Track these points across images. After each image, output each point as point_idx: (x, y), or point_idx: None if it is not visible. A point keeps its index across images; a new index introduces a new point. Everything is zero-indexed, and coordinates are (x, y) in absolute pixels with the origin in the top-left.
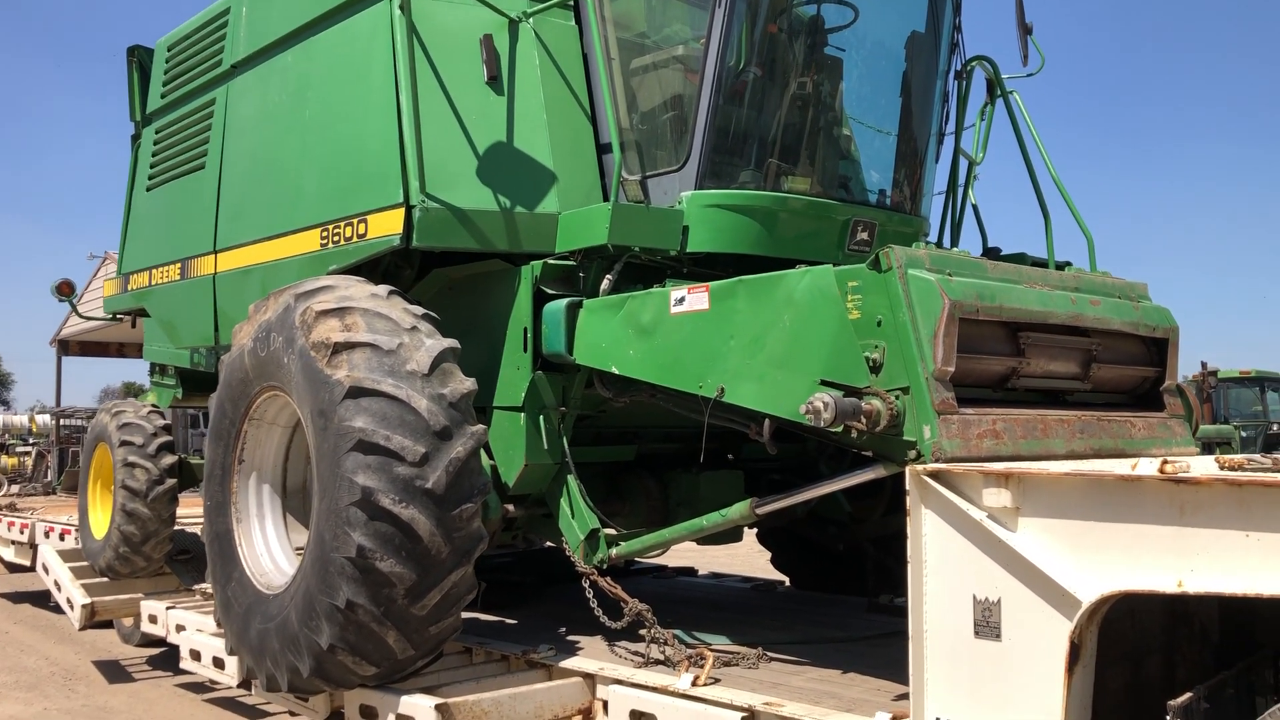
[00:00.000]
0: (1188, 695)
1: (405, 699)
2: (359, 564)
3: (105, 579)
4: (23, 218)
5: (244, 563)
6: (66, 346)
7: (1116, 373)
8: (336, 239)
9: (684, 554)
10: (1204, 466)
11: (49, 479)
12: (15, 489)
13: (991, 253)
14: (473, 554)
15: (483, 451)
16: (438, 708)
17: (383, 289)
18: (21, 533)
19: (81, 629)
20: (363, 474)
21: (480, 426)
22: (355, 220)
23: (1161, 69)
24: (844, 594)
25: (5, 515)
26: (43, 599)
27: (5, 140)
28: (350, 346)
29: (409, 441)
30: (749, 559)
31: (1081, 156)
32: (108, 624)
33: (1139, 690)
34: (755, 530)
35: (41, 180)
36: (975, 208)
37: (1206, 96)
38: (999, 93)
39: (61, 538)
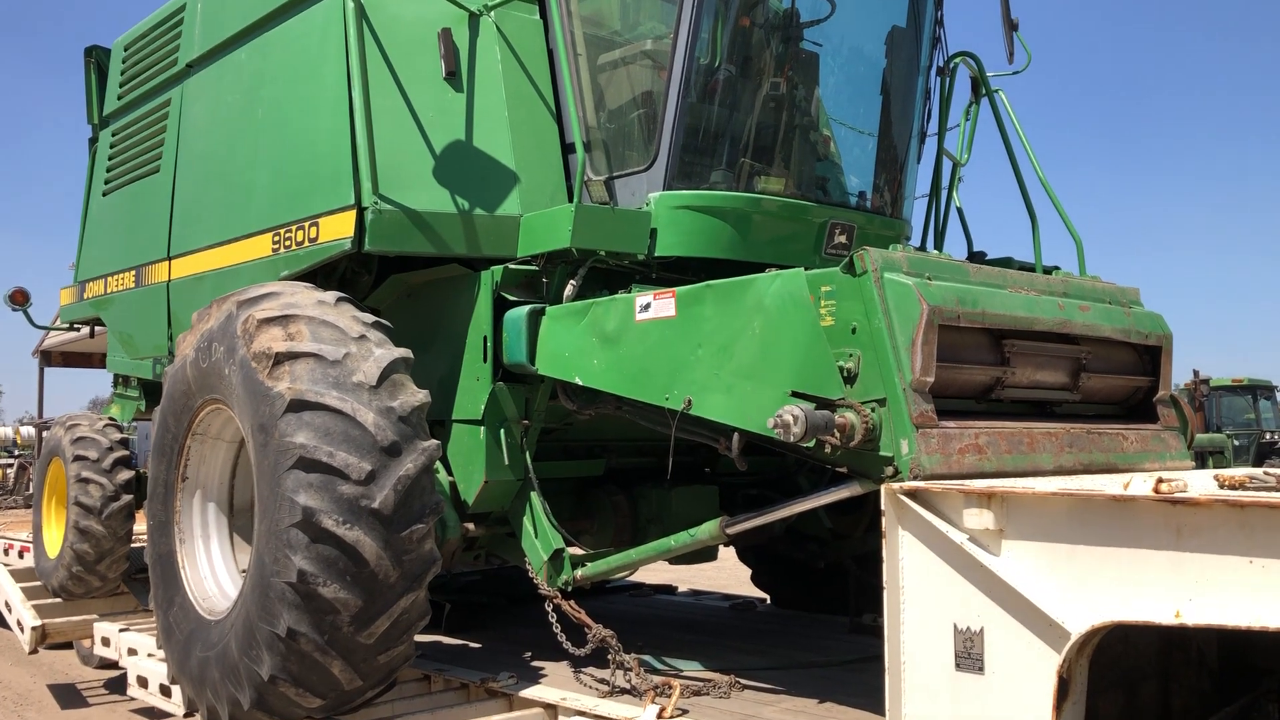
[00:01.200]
0: None
1: None
2: (300, 590)
3: (59, 599)
4: (10, 230)
5: (187, 586)
6: (49, 358)
7: (1107, 382)
8: (288, 244)
9: (666, 571)
10: (1202, 485)
11: (29, 491)
12: None
13: (977, 257)
14: (424, 578)
15: (441, 467)
16: None
17: (330, 295)
18: None
19: (31, 652)
20: (304, 493)
21: (433, 442)
22: (307, 224)
23: (1153, 66)
24: (826, 613)
25: None
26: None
27: None
28: (293, 357)
29: (354, 458)
30: (735, 573)
31: (1069, 158)
32: (66, 645)
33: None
34: (734, 547)
35: (30, 192)
36: (960, 210)
37: (1202, 96)
38: (984, 91)
39: (21, 555)
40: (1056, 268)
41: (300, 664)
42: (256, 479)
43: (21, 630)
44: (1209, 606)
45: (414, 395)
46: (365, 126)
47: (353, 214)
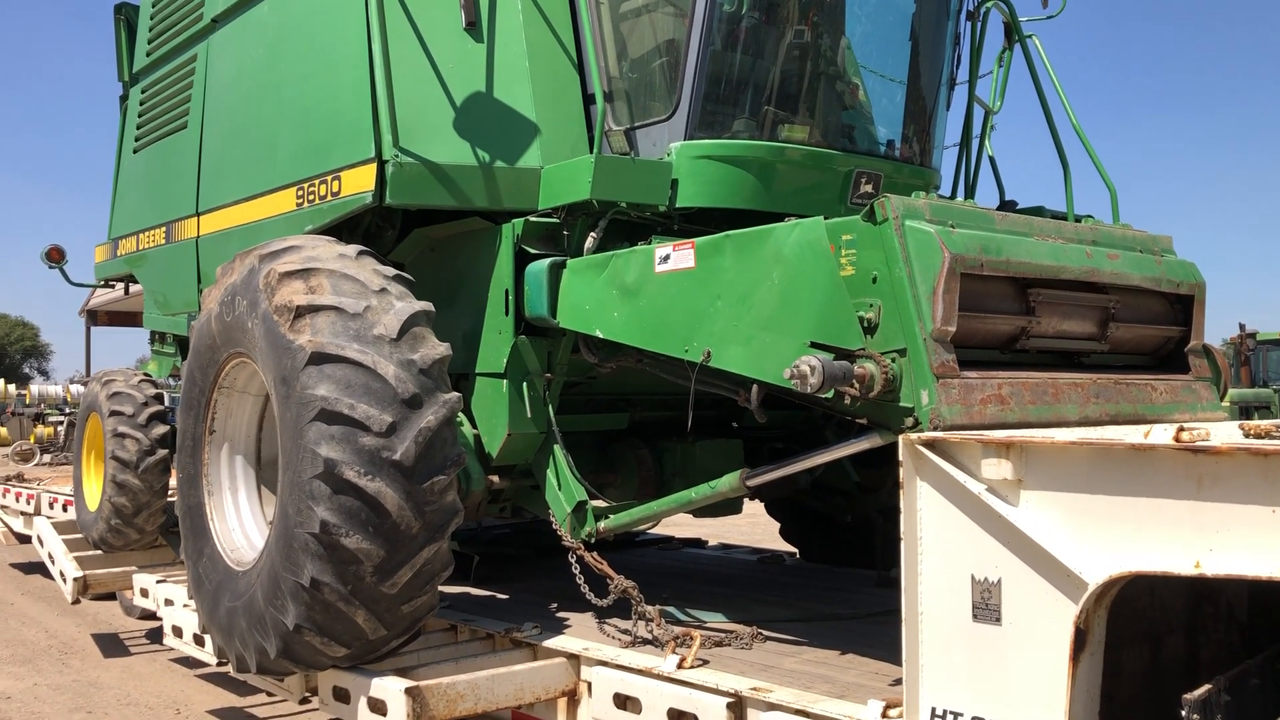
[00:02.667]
0: (1206, 688)
1: (376, 681)
2: (323, 540)
3: (100, 552)
4: (61, 187)
5: (215, 538)
6: (95, 317)
7: (1136, 332)
8: (311, 198)
9: (697, 525)
10: (1225, 433)
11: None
12: (48, 458)
13: (1008, 206)
14: (446, 529)
15: (465, 420)
16: (408, 691)
17: (352, 249)
18: (28, 503)
19: (74, 602)
20: (326, 445)
21: (454, 395)
22: (329, 178)
23: (1190, 7)
24: (853, 567)
25: (12, 486)
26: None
27: (44, 110)
28: (314, 310)
29: (375, 410)
30: (767, 527)
31: (1105, 105)
32: (110, 596)
33: (1159, 674)
34: (763, 502)
35: (81, 150)
36: (992, 159)
37: (1242, 36)
38: (1016, 37)
39: (65, 509)
40: (1089, 216)
41: (325, 613)
42: (280, 431)
43: (64, 581)
44: (1230, 557)
45: (435, 348)
46: (385, 79)
47: (374, 167)
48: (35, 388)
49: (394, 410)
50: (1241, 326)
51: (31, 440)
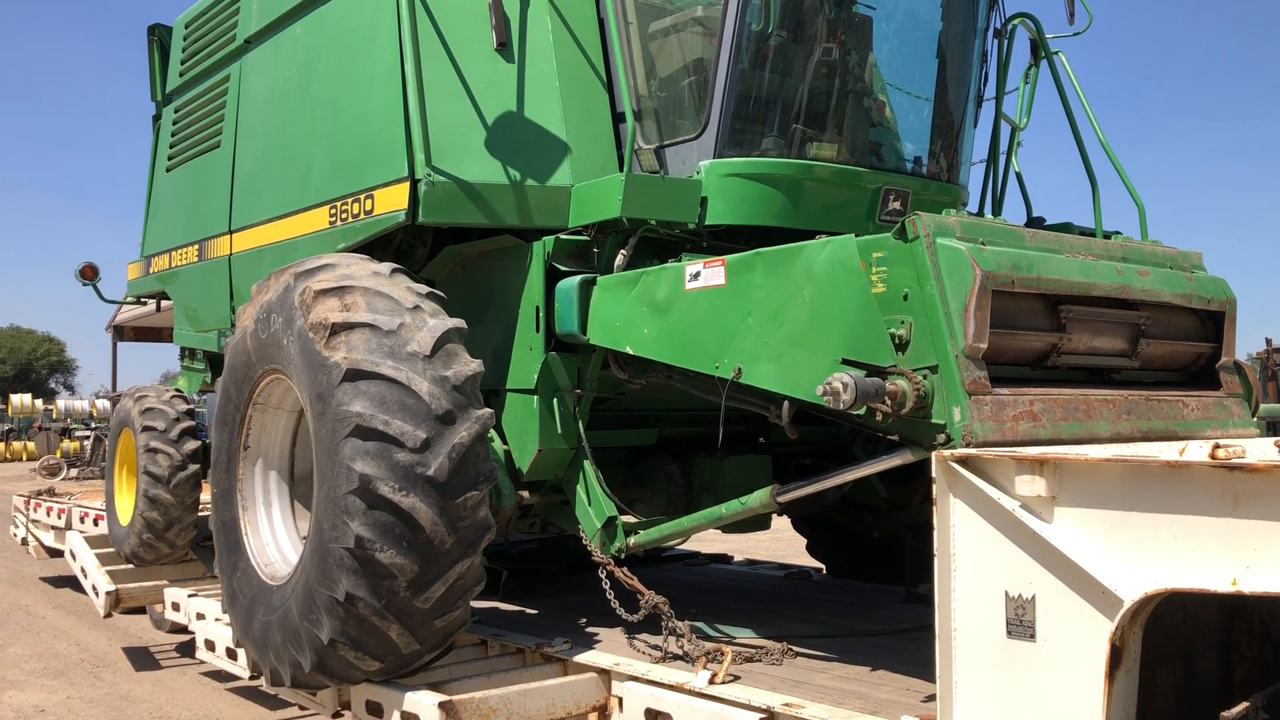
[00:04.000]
0: (1243, 705)
1: (410, 695)
2: (358, 555)
3: (132, 566)
4: (88, 204)
5: (249, 552)
6: (121, 332)
7: (1167, 349)
8: (344, 216)
9: (723, 540)
10: (1261, 450)
11: (105, 463)
12: (74, 472)
13: (1036, 223)
14: (479, 544)
15: (496, 436)
16: (442, 705)
17: (385, 267)
18: (59, 518)
19: (106, 616)
20: (361, 461)
21: (486, 410)
22: (362, 196)
23: (1215, 21)
24: (881, 582)
25: (44, 500)
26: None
27: (71, 127)
28: (349, 327)
29: (409, 426)
30: (791, 543)
31: (1132, 121)
32: (140, 610)
33: (1192, 691)
34: (790, 517)
35: (110, 166)
36: (1019, 176)
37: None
38: (1043, 53)
39: (96, 523)
40: (1118, 233)
41: (359, 628)
42: (315, 447)
43: (97, 595)
44: (1267, 574)
45: (467, 364)
46: (418, 98)
47: (406, 186)
48: (62, 403)
49: (428, 426)
50: (1268, 341)
51: (58, 455)
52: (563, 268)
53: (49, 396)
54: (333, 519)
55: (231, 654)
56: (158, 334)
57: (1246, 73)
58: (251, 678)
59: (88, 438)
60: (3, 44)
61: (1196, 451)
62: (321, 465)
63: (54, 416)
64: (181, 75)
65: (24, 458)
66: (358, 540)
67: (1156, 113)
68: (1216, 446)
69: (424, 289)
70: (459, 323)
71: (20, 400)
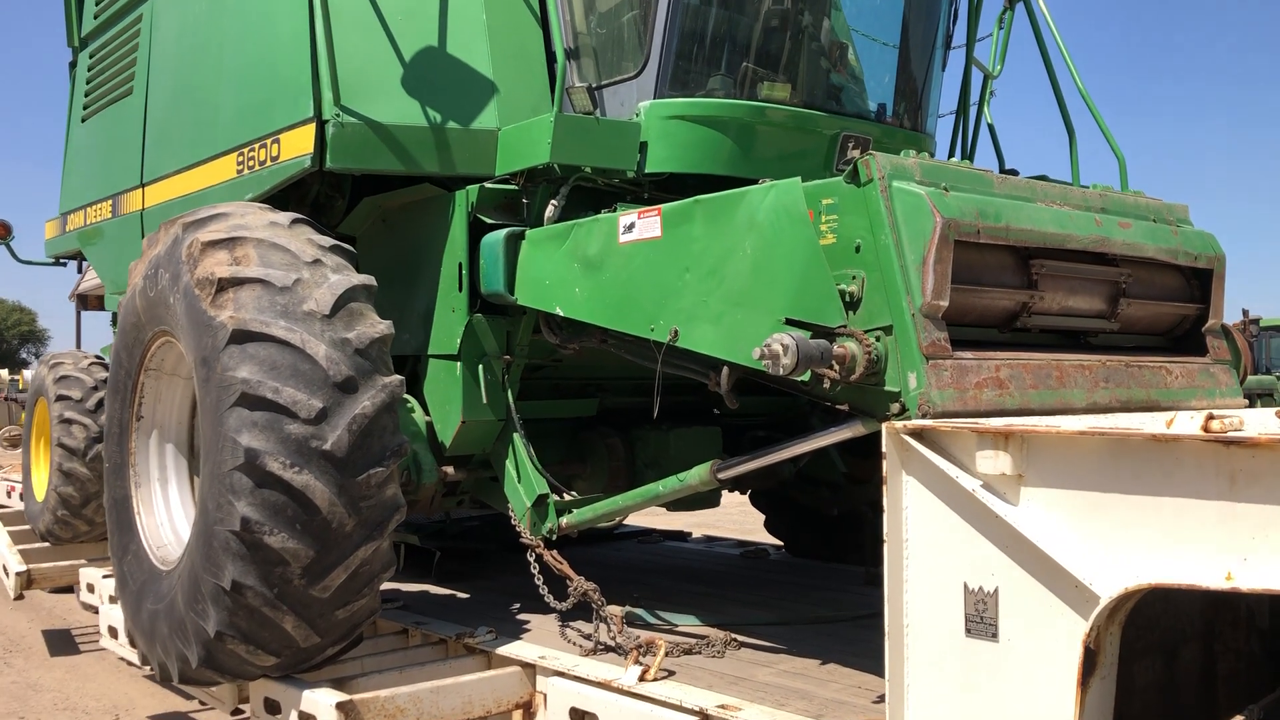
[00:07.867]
0: (1239, 718)
1: (307, 694)
2: (245, 539)
3: (47, 544)
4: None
5: (142, 534)
6: (85, 301)
7: (1149, 310)
8: (251, 164)
9: (685, 515)
10: (1261, 422)
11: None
12: None
13: (1008, 175)
14: (386, 526)
15: (417, 407)
16: (340, 706)
17: (285, 216)
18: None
19: (17, 598)
20: (247, 433)
21: (395, 377)
22: (269, 141)
23: None
24: (841, 562)
25: None
26: None
27: (39, 93)
28: (237, 283)
29: (303, 395)
30: (756, 517)
31: (1112, 70)
32: (69, 589)
33: (1173, 687)
34: (748, 491)
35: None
36: (991, 126)
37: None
38: None
39: (10, 495)
40: (1097, 185)
41: (249, 619)
42: (201, 418)
43: (7, 575)
44: (1270, 568)
45: (373, 326)
46: (325, 31)
47: (313, 128)
48: (29, 373)
49: (325, 395)
50: (1245, 312)
51: (20, 425)
52: (488, 220)
53: (19, 367)
54: (217, 498)
55: (133, 642)
56: None
57: (1218, 41)
58: (145, 670)
59: None
60: None
61: (1186, 423)
62: (207, 438)
63: (20, 388)
64: (96, 17)
65: None
66: (244, 522)
67: (1125, 67)
68: (1210, 417)
69: (329, 242)
70: (367, 279)
71: None
